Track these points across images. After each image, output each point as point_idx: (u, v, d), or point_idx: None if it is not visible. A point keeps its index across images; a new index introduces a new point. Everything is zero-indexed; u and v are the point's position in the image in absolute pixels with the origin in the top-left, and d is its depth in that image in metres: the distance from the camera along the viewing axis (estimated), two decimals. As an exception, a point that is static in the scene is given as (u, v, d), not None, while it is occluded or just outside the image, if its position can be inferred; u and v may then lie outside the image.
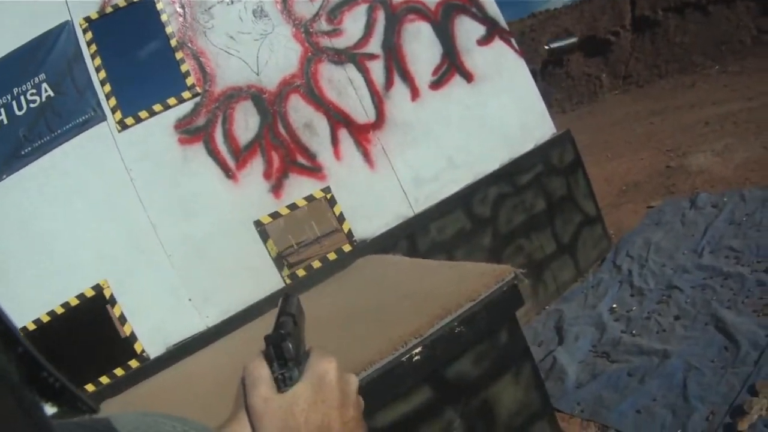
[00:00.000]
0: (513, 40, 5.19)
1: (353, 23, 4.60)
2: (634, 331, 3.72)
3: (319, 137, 4.39)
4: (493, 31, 5.05)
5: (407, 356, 2.24)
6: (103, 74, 4.00)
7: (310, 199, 4.33)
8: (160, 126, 4.06)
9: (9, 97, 3.88)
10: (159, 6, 4.17)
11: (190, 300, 3.96)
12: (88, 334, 5.52)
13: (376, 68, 4.61)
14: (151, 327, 3.88)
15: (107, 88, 3.99)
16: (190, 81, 4.13)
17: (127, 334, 3.87)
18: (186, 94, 4.12)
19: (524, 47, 11.41)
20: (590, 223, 5.26)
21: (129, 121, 4.00)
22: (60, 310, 3.74)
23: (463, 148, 4.73)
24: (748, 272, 3.71)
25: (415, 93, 4.69)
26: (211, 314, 3.97)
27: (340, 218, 4.36)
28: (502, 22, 5.14)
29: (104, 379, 3.78)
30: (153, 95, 4.15)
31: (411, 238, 4.40)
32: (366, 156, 4.47)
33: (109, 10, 4.12)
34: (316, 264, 4.27)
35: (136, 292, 3.89)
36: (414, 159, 4.59)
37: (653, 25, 13.12)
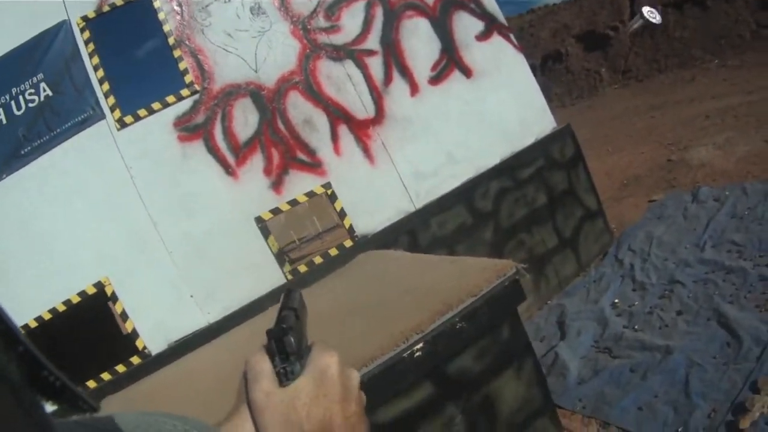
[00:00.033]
0: (512, 36, 5.17)
1: (351, 19, 4.59)
2: (636, 327, 3.71)
3: (318, 133, 4.38)
4: (491, 27, 5.03)
5: (408, 352, 2.24)
6: (101, 73, 3.99)
7: (310, 194, 4.33)
8: (159, 124, 4.06)
9: (7, 97, 3.88)
10: (156, 4, 4.15)
11: (191, 297, 3.96)
12: (90, 331, 5.53)
13: (375, 64, 4.60)
14: (153, 324, 3.88)
15: (106, 86, 3.98)
16: (188, 79, 4.12)
17: (129, 330, 3.88)
18: (185, 92, 4.11)
19: (523, 42, 11.36)
20: (592, 217, 5.26)
21: (128, 119, 3.99)
22: (62, 308, 3.75)
23: (463, 143, 4.72)
24: (751, 267, 3.70)
25: (414, 88, 4.68)
26: (212, 311, 3.97)
27: (341, 214, 4.36)
28: (501, 18, 5.12)
29: (106, 376, 3.79)
30: (151, 93, 4.14)
31: (412, 233, 4.40)
32: (366, 151, 4.46)
33: (106, 9, 4.11)
34: (318, 260, 4.28)
35: (137, 290, 3.89)
36: (414, 154, 4.59)
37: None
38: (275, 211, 4.23)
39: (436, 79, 4.75)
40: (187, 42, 4.18)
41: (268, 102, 4.28)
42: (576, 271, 5.07)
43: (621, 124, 9.62)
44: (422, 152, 4.61)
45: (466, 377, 2.46)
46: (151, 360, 3.79)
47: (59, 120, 3.89)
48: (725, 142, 6.14)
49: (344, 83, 4.50)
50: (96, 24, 4.08)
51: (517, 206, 4.82)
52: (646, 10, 12.23)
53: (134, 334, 3.85)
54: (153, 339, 3.86)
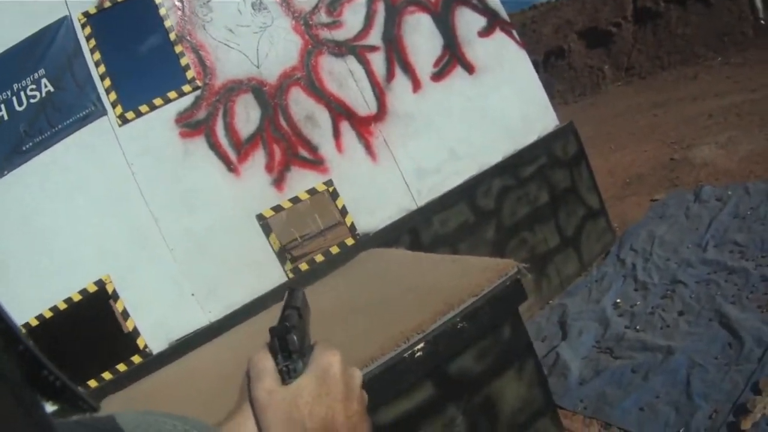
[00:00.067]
0: (514, 32, 5.16)
1: (353, 15, 4.57)
2: (638, 327, 3.70)
3: (320, 130, 4.37)
4: (494, 23, 5.01)
5: (409, 352, 2.23)
6: (102, 69, 3.98)
7: (312, 192, 4.33)
8: (160, 120, 4.05)
9: (9, 93, 3.88)
10: (157, 0, 4.14)
11: (192, 295, 3.96)
12: (91, 329, 5.54)
13: (377, 60, 4.58)
14: (154, 322, 3.88)
15: (107, 82, 3.98)
16: (190, 74, 4.12)
17: (130, 329, 3.88)
18: (186, 88, 4.11)
19: (525, 39, 11.35)
20: (594, 216, 5.24)
21: (129, 115, 3.99)
22: (63, 306, 3.75)
23: (465, 140, 4.71)
24: (753, 267, 3.69)
25: (416, 85, 4.67)
26: (213, 309, 3.97)
27: (343, 211, 4.35)
28: (503, 14, 5.10)
29: (107, 375, 3.80)
30: (153, 89, 4.14)
31: (414, 231, 4.39)
32: (368, 148, 4.45)
33: (107, 4, 4.10)
34: (319, 258, 4.27)
35: (138, 287, 3.89)
36: (416, 151, 4.57)
37: (655, 16, 13.03)
38: (277, 209, 4.23)
39: (438, 75, 4.74)
40: (188, 38, 4.17)
41: (270, 98, 4.27)
42: (578, 270, 5.05)
43: (624, 121, 9.59)
44: (424, 149, 4.59)
45: (467, 377, 2.46)
46: (152, 359, 3.79)
47: (61, 116, 3.89)
48: (728, 141, 6.12)
49: (346, 79, 4.48)
50: (97, 20, 4.08)
51: (519, 204, 4.81)
52: None
53: (135, 333, 3.86)
54: (154, 338, 3.86)
